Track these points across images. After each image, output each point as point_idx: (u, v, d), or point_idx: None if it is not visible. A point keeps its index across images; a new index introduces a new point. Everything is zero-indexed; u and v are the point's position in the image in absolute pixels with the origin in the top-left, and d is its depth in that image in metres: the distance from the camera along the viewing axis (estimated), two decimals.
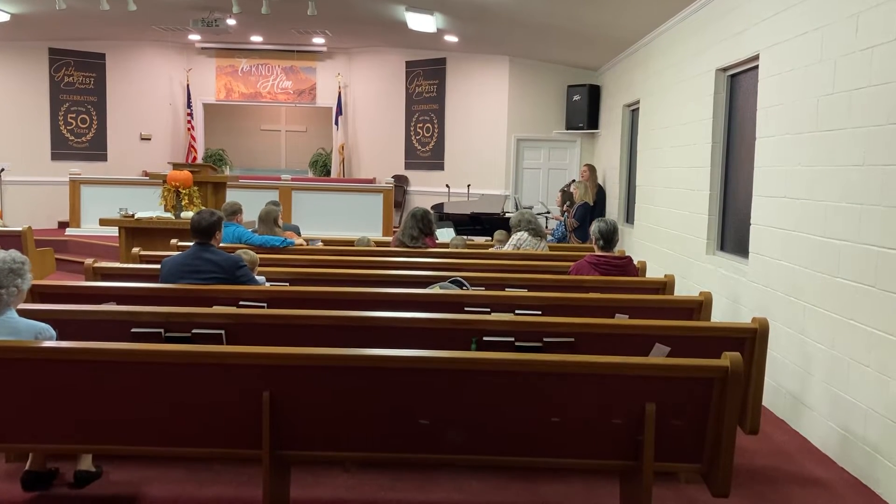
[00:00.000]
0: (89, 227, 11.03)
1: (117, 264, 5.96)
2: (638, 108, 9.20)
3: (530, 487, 3.77)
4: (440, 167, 12.98)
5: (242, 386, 3.01)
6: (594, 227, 5.33)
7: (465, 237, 8.18)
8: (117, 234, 8.10)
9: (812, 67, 4.66)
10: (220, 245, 4.91)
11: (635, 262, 5.55)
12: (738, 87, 6.29)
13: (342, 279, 5.09)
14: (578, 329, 3.75)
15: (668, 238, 7.64)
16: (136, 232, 7.75)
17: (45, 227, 11.96)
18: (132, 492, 3.61)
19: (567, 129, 11.87)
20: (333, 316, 3.83)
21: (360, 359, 3.00)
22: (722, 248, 6.46)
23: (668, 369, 3.00)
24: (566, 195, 9.91)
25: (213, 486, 3.69)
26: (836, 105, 4.36)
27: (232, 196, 8.05)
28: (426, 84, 13.14)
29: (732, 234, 6.31)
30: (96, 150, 13.10)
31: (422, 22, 9.92)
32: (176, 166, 8.96)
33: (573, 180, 10.52)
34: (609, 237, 5.25)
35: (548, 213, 10.51)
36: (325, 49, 13.86)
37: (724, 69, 6.37)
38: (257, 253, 5.28)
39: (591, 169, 10.49)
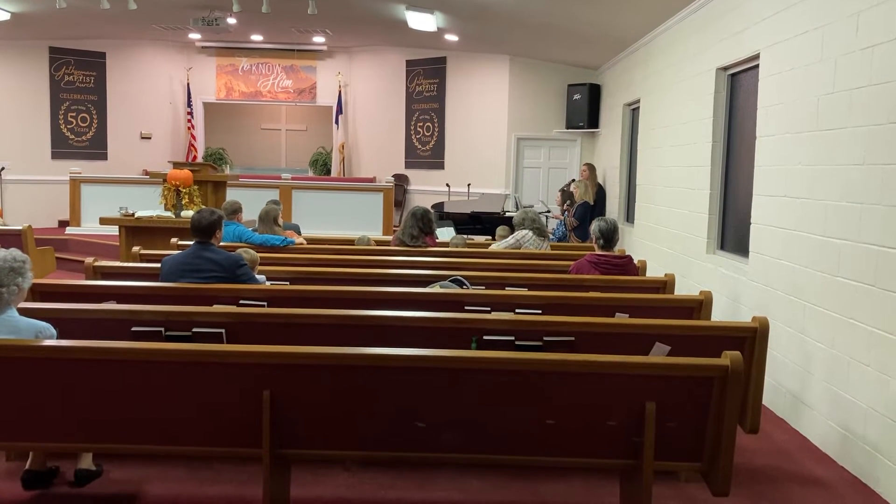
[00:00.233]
0: (89, 226, 11.04)
1: (118, 263, 5.96)
2: (638, 108, 9.20)
3: (530, 486, 3.78)
4: (440, 166, 12.98)
5: (243, 385, 3.01)
6: (594, 226, 5.33)
7: (465, 236, 8.18)
8: (117, 233, 8.11)
9: (812, 66, 4.66)
10: (221, 244, 4.91)
11: (635, 262, 5.54)
12: (738, 86, 6.29)
13: (342, 278, 5.09)
14: (579, 328, 3.75)
15: (668, 237, 7.64)
16: (136, 231, 7.76)
17: (45, 226, 11.96)
18: (132, 490, 3.61)
19: (567, 128, 11.87)
20: (334, 315, 3.83)
21: (361, 358, 3.00)
22: (722, 247, 6.46)
23: (669, 368, 3.00)
24: (566, 194, 9.90)
25: (213, 485, 3.69)
26: (836, 104, 4.36)
27: (232, 195, 8.05)
28: (426, 83, 13.14)
29: (732, 233, 6.31)
30: (96, 148, 13.10)
31: (422, 21, 9.92)
32: (176, 165, 8.96)
33: (573, 179, 10.52)
34: (609, 236, 5.25)
35: (548, 212, 10.51)
36: (325, 48, 13.86)
37: (725, 68, 6.37)
38: (257, 252, 5.28)
39: (591, 168, 10.49)
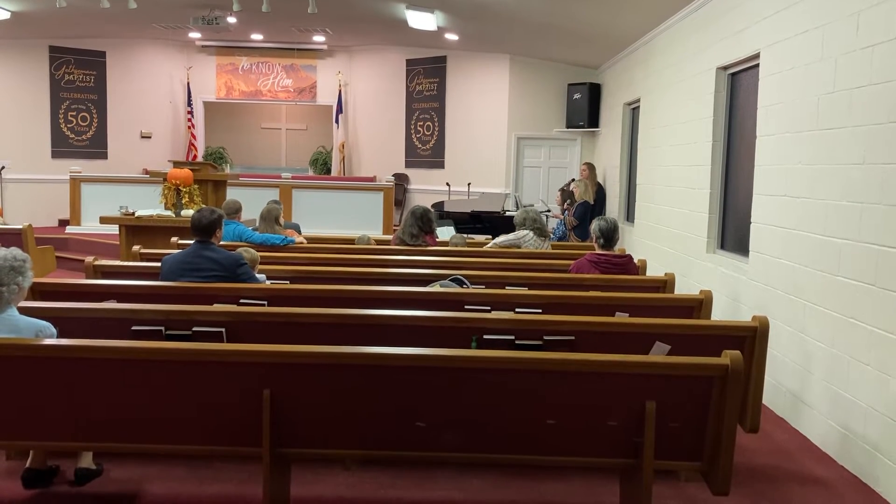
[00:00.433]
0: (90, 225, 11.04)
1: (118, 262, 5.96)
2: (638, 107, 9.20)
3: (530, 485, 3.78)
4: (440, 165, 12.97)
5: (243, 384, 3.01)
6: (595, 225, 5.33)
7: (464, 235, 8.18)
8: (118, 232, 8.11)
9: (813, 66, 4.65)
10: (221, 243, 4.91)
11: (635, 261, 5.55)
12: (738, 85, 6.29)
13: (342, 277, 5.09)
14: (579, 327, 3.75)
15: (668, 236, 7.64)
16: (136, 230, 7.76)
17: (45, 225, 11.95)
18: (133, 489, 3.61)
19: (567, 127, 11.86)
20: (334, 314, 3.83)
21: (361, 357, 3.00)
22: (722, 246, 6.46)
23: (669, 368, 3.00)
24: (566, 194, 9.90)
25: (213, 484, 3.69)
26: (836, 103, 4.36)
27: (232, 194, 8.06)
28: (426, 82, 13.14)
29: (733, 232, 6.31)
30: (97, 147, 13.10)
31: (422, 20, 9.92)
32: (176, 164, 8.96)
33: (573, 179, 10.52)
34: (609, 235, 5.25)
35: (548, 211, 10.51)
36: (325, 47, 13.85)
37: (725, 67, 6.37)
38: (258, 251, 5.28)
39: (591, 167, 10.49)
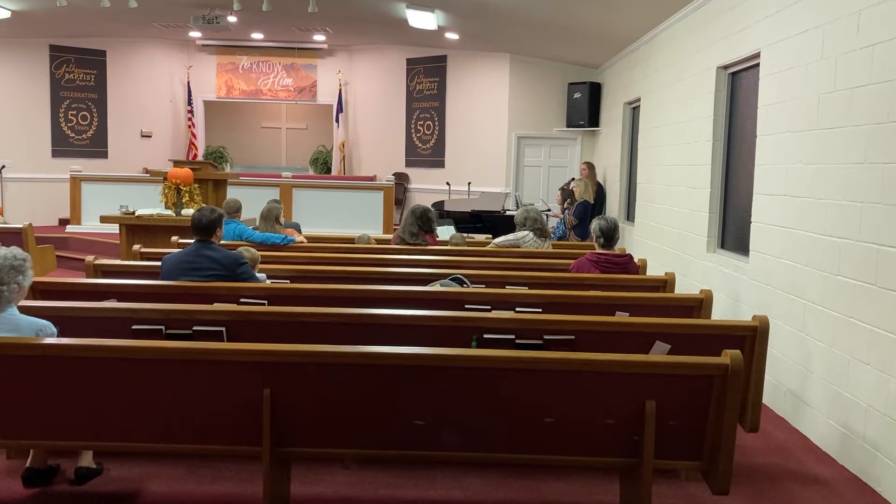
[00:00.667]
0: (90, 225, 11.04)
1: (118, 261, 5.95)
2: (639, 106, 9.20)
3: (530, 485, 3.78)
4: (441, 165, 12.97)
5: (243, 383, 3.01)
6: (595, 224, 5.33)
7: (464, 234, 8.17)
8: (118, 232, 8.10)
9: (813, 65, 4.65)
10: (221, 242, 4.91)
11: (636, 260, 5.54)
12: (738, 84, 6.29)
13: (343, 276, 5.09)
14: (579, 327, 3.75)
15: (668, 236, 7.64)
16: (136, 229, 7.76)
17: (45, 224, 11.96)
18: (133, 488, 3.62)
19: (568, 126, 11.86)
20: (334, 313, 3.83)
21: (361, 356, 3.00)
22: (722, 245, 6.46)
23: (669, 367, 3.00)
24: (566, 193, 9.90)
25: (213, 483, 3.69)
26: (836, 103, 4.36)
27: (232, 193, 8.05)
28: (427, 81, 13.14)
29: (733, 231, 6.31)
30: (97, 147, 13.10)
31: (422, 19, 9.92)
32: (177, 163, 8.96)
33: (573, 178, 10.52)
34: (609, 235, 5.25)
35: (548, 210, 10.51)
36: (325, 46, 13.85)
37: (725, 67, 6.37)
38: (258, 250, 5.29)
39: (591, 166, 10.49)
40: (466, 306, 4.27)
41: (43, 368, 3.04)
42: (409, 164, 13.50)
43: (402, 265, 5.61)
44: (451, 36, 11.39)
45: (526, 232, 6.56)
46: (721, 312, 5.83)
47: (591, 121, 11.48)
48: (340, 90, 13.98)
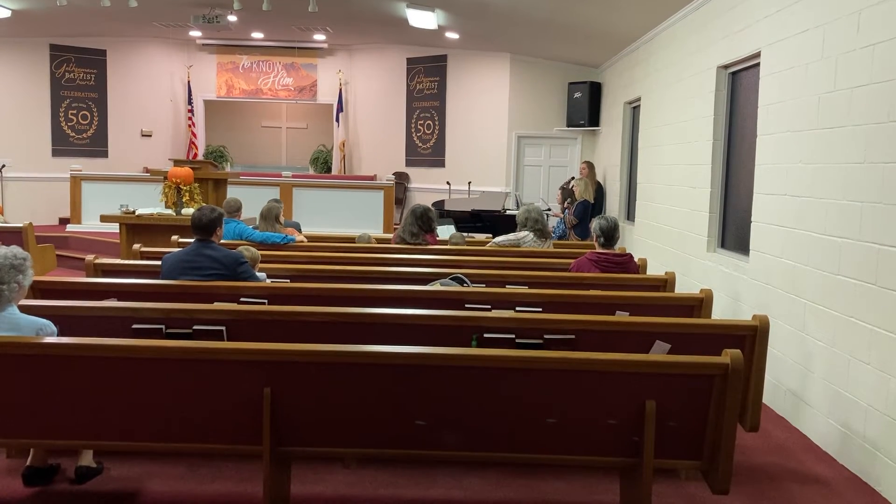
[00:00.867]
0: (90, 224, 11.05)
1: (118, 261, 5.95)
2: (639, 106, 9.19)
3: (530, 484, 3.78)
4: (441, 164, 12.97)
5: (243, 382, 3.01)
6: (595, 224, 5.33)
7: (464, 234, 8.17)
8: (118, 231, 8.11)
9: (813, 65, 4.65)
10: (221, 241, 4.91)
11: (636, 260, 5.54)
12: (739, 84, 6.29)
13: (343, 276, 5.09)
14: (579, 326, 3.75)
15: (668, 235, 7.64)
16: (136, 228, 7.76)
17: (45, 224, 11.96)
18: (133, 488, 3.62)
19: (568, 126, 11.86)
20: (334, 312, 3.83)
21: (361, 355, 3.01)
22: (723, 245, 6.46)
23: (669, 366, 3.00)
24: (566, 192, 9.90)
25: (213, 483, 3.69)
26: (836, 102, 4.36)
27: (232, 193, 8.06)
28: (427, 81, 13.13)
29: (733, 231, 6.31)
30: (97, 146, 13.10)
31: (423, 19, 9.92)
32: (177, 163, 8.96)
33: (573, 177, 10.52)
34: (610, 234, 5.25)
35: (548, 210, 10.51)
36: (325, 46, 13.85)
37: (726, 66, 6.36)
38: (258, 249, 5.29)
39: (591, 166, 10.48)
40: (467, 306, 4.27)
41: (43, 368, 3.04)
42: (409, 163, 13.50)
43: (403, 264, 5.61)
44: (452, 35, 11.39)
45: (526, 232, 6.56)
46: (721, 312, 5.83)
47: (592, 120, 11.48)
48: (341, 90, 13.98)
